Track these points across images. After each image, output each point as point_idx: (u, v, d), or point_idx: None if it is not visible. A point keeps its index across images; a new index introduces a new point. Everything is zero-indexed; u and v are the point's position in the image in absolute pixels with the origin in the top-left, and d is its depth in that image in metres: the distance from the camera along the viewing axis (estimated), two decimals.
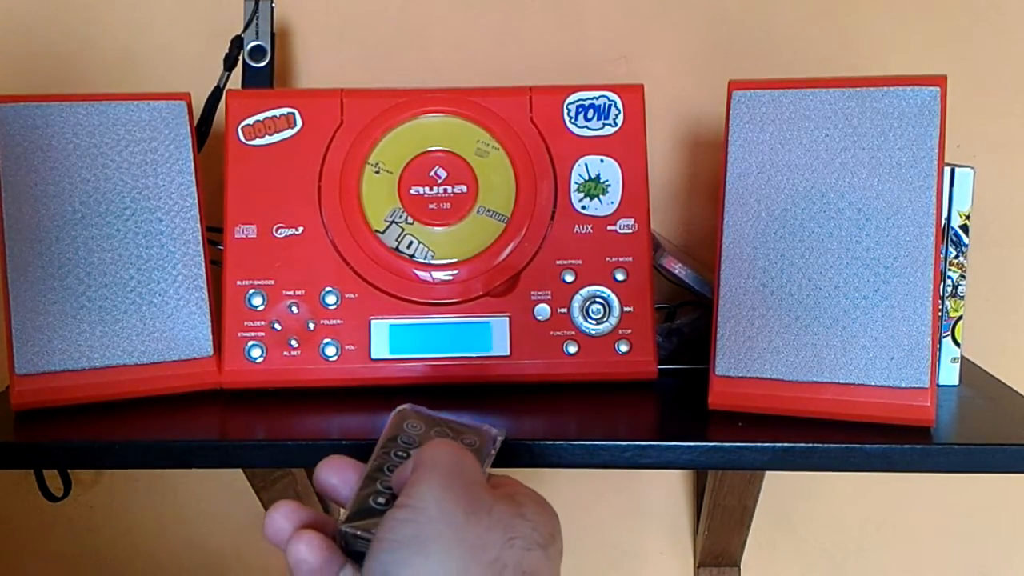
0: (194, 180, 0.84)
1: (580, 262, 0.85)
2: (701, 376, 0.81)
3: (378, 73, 1.08)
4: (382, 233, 0.85)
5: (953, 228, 0.88)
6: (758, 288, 0.78)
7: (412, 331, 0.84)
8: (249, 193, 0.84)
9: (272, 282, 0.84)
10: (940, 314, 0.88)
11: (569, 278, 0.85)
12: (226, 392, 0.84)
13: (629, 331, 0.85)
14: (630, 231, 0.85)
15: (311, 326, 0.83)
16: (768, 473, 1.06)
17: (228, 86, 0.94)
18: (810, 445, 0.74)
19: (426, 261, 0.85)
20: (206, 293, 0.84)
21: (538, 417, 0.81)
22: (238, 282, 0.84)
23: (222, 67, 0.95)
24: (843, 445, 0.73)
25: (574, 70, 1.08)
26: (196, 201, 0.84)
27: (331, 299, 0.84)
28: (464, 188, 0.85)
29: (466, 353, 0.84)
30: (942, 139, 0.74)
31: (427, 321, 0.84)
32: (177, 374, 0.83)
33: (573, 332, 0.85)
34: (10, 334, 0.79)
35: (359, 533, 0.51)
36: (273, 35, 0.96)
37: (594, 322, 0.85)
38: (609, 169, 0.86)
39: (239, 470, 1.06)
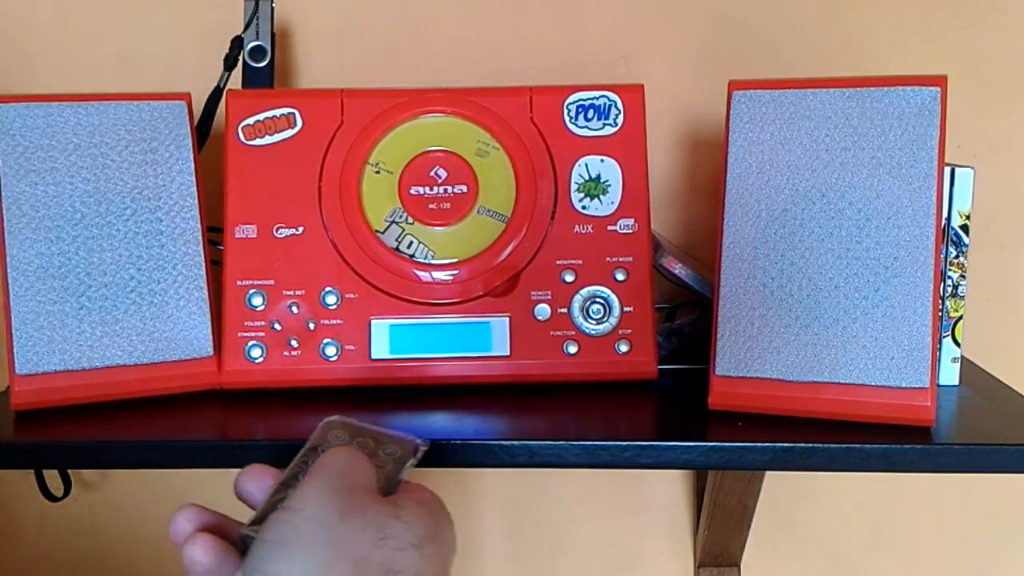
0: (194, 180, 0.84)
1: (580, 262, 0.85)
2: (701, 376, 0.81)
3: (378, 73, 1.08)
4: (382, 233, 0.85)
5: (953, 228, 0.88)
6: (758, 288, 0.78)
7: (412, 331, 0.84)
8: (249, 193, 0.84)
9: (272, 282, 0.84)
10: (940, 314, 0.88)
11: (569, 278, 0.85)
12: (226, 392, 0.84)
13: (629, 331, 0.85)
14: (630, 231, 0.85)
15: (311, 326, 0.83)
16: (768, 473, 1.06)
17: (228, 86, 0.94)
18: (810, 445, 0.74)
19: (426, 261, 0.85)
20: (206, 293, 0.84)
21: (538, 417, 0.81)
22: (238, 282, 0.84)
23: (222, 67, 0.95)
24: (843, 445, 0.73)
25: (574, 70, 1.08)
26: (196, 201, 0.84)
27: (331, 299, 0.84)
28: (464, 188, 0.85)
29: (466, 353, 0.84)
30: (942, 139, 0.74)
31: (427, 321, 0.84)
32: (177, 374, 0.83)
33: (573, 332, 0.85)
34: (10, 334, 0.79)
35: (252, 535, 0.52)
36: (273, 35, 0.96)
37: (594, 322, 0.85)
38: (609, 169, 0.86)
39: (239, 470, 1.05)
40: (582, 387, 0.85)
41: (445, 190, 0.85)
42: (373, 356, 0.84)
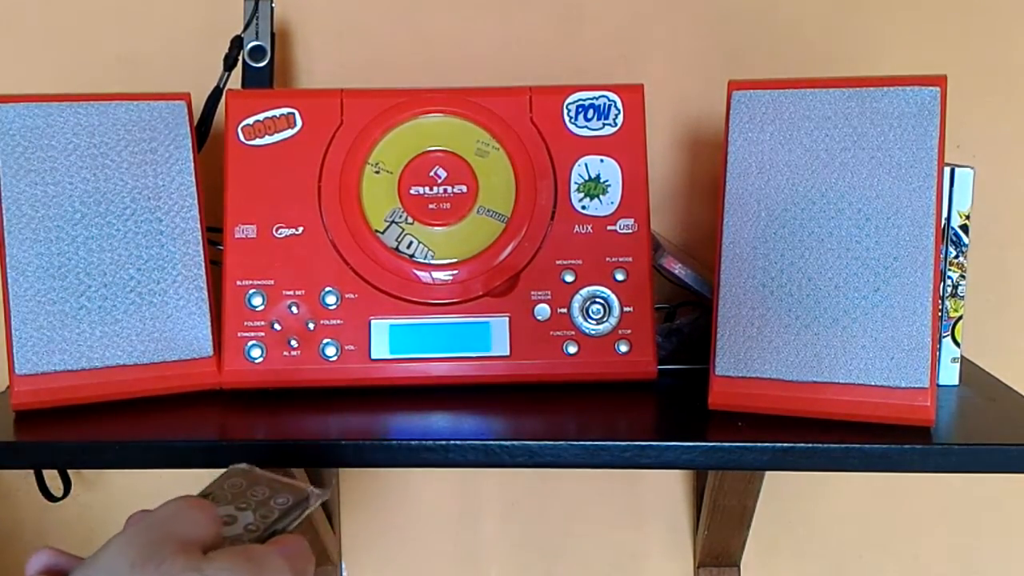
0: (194, 180, 0.84)
1: (580, 262, 0.85)
2: (701, 376, 0.81)
3: (378, 73, 1.08)
4: (382, 233, 0.85)
5: (953, 228, 0.88)
6: (758, 288, 0.78)
7: (412, 331, 0.84)
8: (249, 193, 0.84)
9: (272, 282, 0.84)
10: (940, 314, 0.88)
11: (569, 278, 0.85)
12: (226, 392, 0.84)
13: (629, 331, 0.85)
14: (630, 231, 0.85)
15: (311, 326, 0.83)
16: (768, 473, 1.06)
17: (228, 86, 0.94)
18: (810, 445, 0.74)
19: (426, 261, 0.85)
20: (206, 293, 0.84)
21: (538, 417, 0.81)
22: (238, 282, 0.84)
23: (222, 67, 0.95)
24: (843, 445, 0.73)
25: (574, 70, 1.08)
26: (196, 201, 0.84)
27: (331, 299, 0.84)
28: (464, 188, 0.85)
29: (466, 353, 0.84)
30: (942, 139, 0.74)
31: (427, 321, 0.84)
32: (177, 374, 0.83)
33: (573, 332, 0.84)
34: (10, 334, 0.79)
35: None
36: (273, 35, 0.96)
37: (594, 322, 0.85)
38: (609, 169, 0.86)
39: None
40: (582, 387, 0.85)
41: (445, 190, 0.85)
42: (373, 356, 0.84)
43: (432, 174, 0.85)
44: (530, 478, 1.18)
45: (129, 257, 0.81)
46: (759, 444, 0.74)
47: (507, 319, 0.84)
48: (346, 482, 1.18)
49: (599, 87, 0.86)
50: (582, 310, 0.85)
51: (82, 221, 0.80)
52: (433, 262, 0.85)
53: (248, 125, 0.85)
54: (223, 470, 0.62)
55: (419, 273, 0.84)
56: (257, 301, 0.84)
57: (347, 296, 0.84)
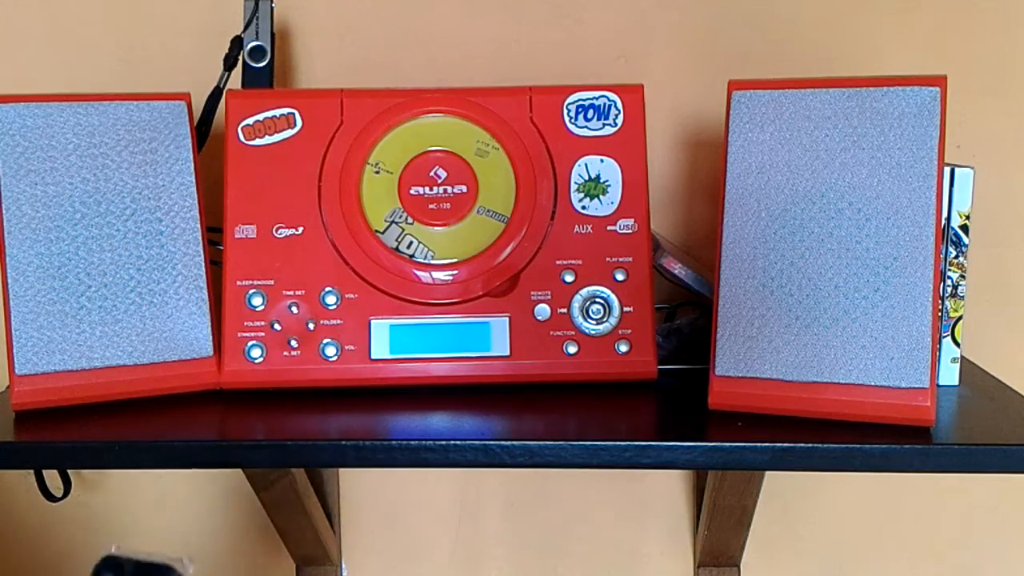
0: (194, 180, 0.84)
1: (580, 262, 0.85)
2: (701, 376, 0.81)
3: (378, 73, 1.08)
4: (382, 233, 0.85)
5: (953, 228, 0.88)
6: (758, 288, 0.78)
7: (412, 331, 0.84)
8: (249, 193, 0.84)
9: (272, 282, 0.84)
10: (940, 314, 0.88)
11: (569, 278, 0.85)
12: (226, 392, 0.84)
13: (629, 331, 0.85)
14: (630, 231, 0.85)
15: (311, 326, 0.83)
16: (768, 473, 1.06)
17: (228, 86, 0.94)
18: (810, 445, 0.74)
19: (426, 261, 0.85)
20: (206, 293, 0.84)
21: (538, 417, 0.81)
22: (238, 282, 0.84)
23: (222, 67, 0.95)
24: (843, 445, 0.73)
25: (574, 70, 1.08)
26: (196, 201, 0.84)
27: (331, 299, 0.84)
28: (464, 188, 0.85)
29: (466, 353, 0.84)
30: (942, 139, 0.74)
31: (427, 321, 0.84)
32: (177, 374, 0.83)
33: (573, 332, 0.85)
34: (10, 334, 0.79)
35: None
36: (273, 35, 0.96)
37: (594, 322, 0.85)
38: (609, 169, 0.86)
39: (239, 470, 1.06)
40: (582, 387, 0.85)
41: (445, 190, 0.85)
42: (373, 356, 0.84)
43: (432, 174, 0.85)
44: (530, 478, 1.18)
45: (129, 257, 0.81)
46: (759, 444, 0.74)
47: (507, 319, 0.84)
48: (346, 482, 1.19)
49: (599, 87, 0.86)
50: (582, 310, 0.85)
51: (82, 221, 0.80)
52: (433, 262, 0.85)
53: (248, 125, 0.85)
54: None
55: (419, 273, 0.84)
56: (257, 301, 0.84)
57: (347, 296, 0.84)
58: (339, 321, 0.84)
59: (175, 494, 1.18)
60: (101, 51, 1.08)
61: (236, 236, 0.84)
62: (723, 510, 1.08)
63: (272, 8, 0.96)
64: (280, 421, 0.80)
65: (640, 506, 1.19)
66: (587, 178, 0.85)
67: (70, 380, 0.80)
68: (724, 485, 1.06)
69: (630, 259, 0.85)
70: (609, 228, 0.85)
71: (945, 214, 0.87)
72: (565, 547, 1.20)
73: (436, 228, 0.85)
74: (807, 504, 1.17)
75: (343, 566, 1.20)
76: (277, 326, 0.84)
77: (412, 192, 0.85)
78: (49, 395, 0.79)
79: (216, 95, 0.95)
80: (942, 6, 1.06)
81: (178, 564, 0.60)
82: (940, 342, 0.88)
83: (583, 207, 0.85)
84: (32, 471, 0.87)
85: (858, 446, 0.73)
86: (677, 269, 0.90)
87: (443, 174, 0.85)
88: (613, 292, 0.85)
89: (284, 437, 0.76)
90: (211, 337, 0.84)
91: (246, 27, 0.95)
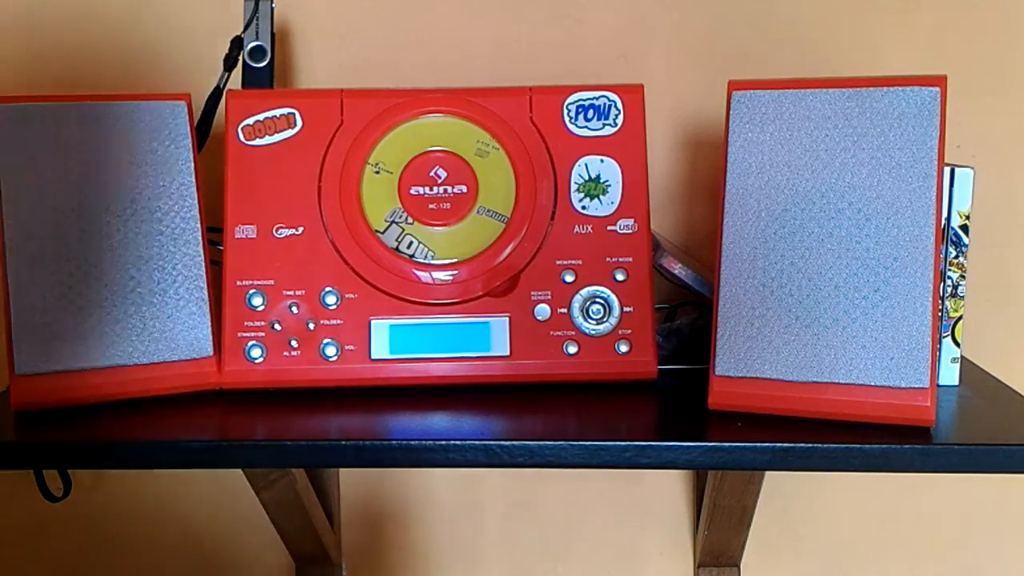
0: (194, 180, 0.84)
1: (580, 262, 0.85)
2: (701, 376, 0.81)
3: (378, 73, 1.08)
4: (382, 233, 0.85)
5: (953, 228, 0.88)
6: (758, 288, 0.78)
7: (412, 331, 0.84)
8: (249, 193, 0.84)
9: (272, 282, 0.84)
10: (940, 314, 0.88)
11: (569, 278, 0.85)
12: (226, 392, 0.84)
13: (629, 331, 0.85)
14: (630, 231, 0.85)
15: (311, 326, 0.83)
16: (768, 473, 1.06)
17: (228, 86, 0.94)
18: (810, 445, 0.74)
19: (426, 261, 0.85)
20: (206, 293, 0.84)
21: (538, 417, 0.81)
22: (238, 282, 0.84)
23: (222, 67, 0.95)
24: (843, 445, 0.73)
25: (574, 70, 1.08)
26: (196, 201, 0.84)
27: (331, 299, 0.84)
28: (464, 188, 0.85)
29: (466, 353, 0.84)
30: (942, 139, 0.74)
31: (427, 321, 0.84)
32: (177, 374, 0.83)
33: (573, 332, 0.85)
34: (10, 334, 0.79)
35: None
36: (273, 35, 0.96)
37: (594, 322, 0.85)
38: (609, 169, 0.86)
39: (239, 470, 1.06)
40: (582, 387, 0.85)
41: (445, 190, 0.85)
42: (373, 356, 0.84)
43: (432, 174, 0.85)
44: (530, 478, 1.18)
45: (129, 257, 0.81)
46: (759, 444, 0.74)
47: (507, 319, 0.84)
48: (346, 482, 1.19)
49: (599, 87, 0.86)
50: (582, 310, 0.85)
51: (82, 221, 0.80)
52: (433, 262, 0.85)
53: (248, 125, 0.85)
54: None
55: (419, 273, 0.84)
56: (257, 301, 0.84)
57: (347, 296, 0.84)
58: (339, 321, 0.84)
59: (175, 494, 1.18)
60: (101, 51, 1.08)
61: (236, 236, 0.84)
62: (723, 510, 1.08)
63: (272, 8, 0.96)
64: (280, 421, 0.80)
65: (640, 506, 1.19)
66: (587, 178, 0.85)
67: (70, 380, 0.80)
68: (724, 485, 1.06)
69: (630, 259, 0.85)
70: (609, 228, 0.85)
71: (945, 214, 0.87)
72: (565, 547, 1.20)
73: (436, 228, 0.85)
74: (807, 504, 1.17)
75: (343, 566, 1.20)
76: (277, 326, 0.84)
77: (412, 192, 0.85)
78: (49, 395, 0.79)
79: (216, 95, 0.95)
80: (942, 6, 1.06)
81: None
82: (940, 342, 0.88)
83: (583, 207, 0.85)
84: (32, 471, 0.87)
85: (858, 446, 0.73)
86: (677, 269, 0.90)
87: (443, 174, 0.85)
88: (613, 292, 0.85)
89: (284, 437, 0.76)
90: (211, 337, 0.84)
91: (246, 27, 0.95)
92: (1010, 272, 1.10)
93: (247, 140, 0.85)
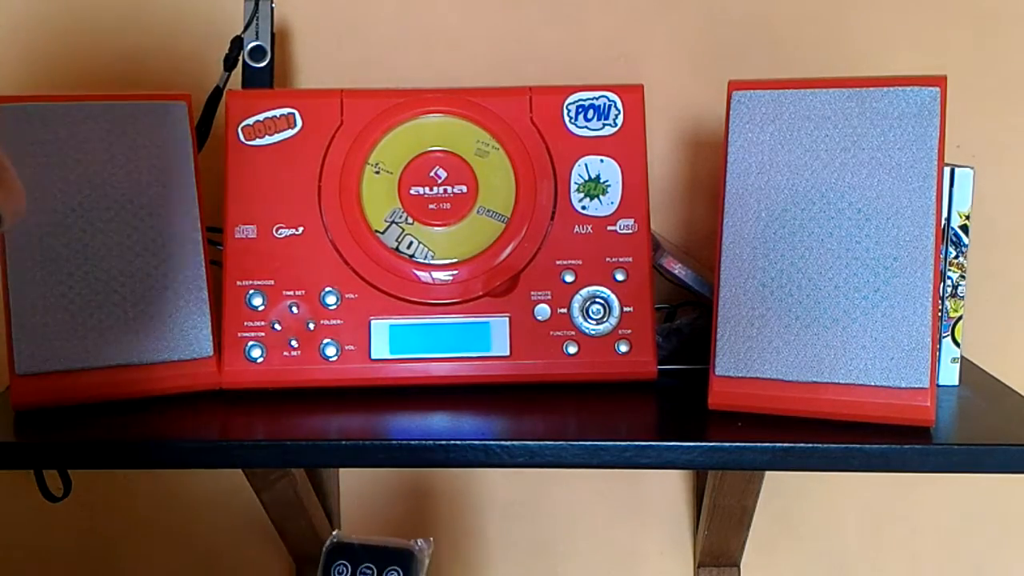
0: (194, 180, 0.84)
1: (580, 262, 0.85)
2: (701, 376, 0.81)
3: (378, 73, 1.08)
4: (382, 233, 0.85)
5: (953, 228, 0.88)
6: (758, 288, 0.78)
7: (412, 331, 0.84)
8: (249, 193, 0.84)
9: (272, 282, 0.84)
10: (940, 314, 0.88)
11: (569, 278, 0.85)
12: (226, 392, 0.84)
13: (629, 331, 0.85)
14: (630, 231, 0.85)
15: (311, 326, 0.83)
16: (768, 473, 1.06)
17: (228, 86, 0.94)
18: (810, 445, 0.74)
19: (426, 261, 0.85)
20: (206, 293, 0.84)
21: (538, 417, 0.81)
22: (238, 282, 0.84)
23: (222, 67, 0.95)
24: (843, 445, 0.73)
25: (574, 70, 1.08)
26: (196, 201, 0.84)
27: (331, 299, 0.84)
28: (464, 188, 0.85)
29: (466, 353, 0.84)
30: (942, 139, 0.74)
31: (427, 321, 0.84)
32: (177, 374, 0.83)
33: (573, 332, 0.85)
34: (10, 334, 0.79)
35: None
36: (273, 35, 0.96)
37: (594, 322, 0.85)
38: (609, 169, 0.86)
39: (239, 470, 1.06)
40: (582, 387, 0.85)
41: (445, 190, 0.85)
42: (373, 356, 0.84)
43: (432, 174, 0.85)
44: (530, 478, 1.18)
45: (129, 257, 0.81)
46: (759, 444, 0.74)
47: (507, 319, 0.84)
48: (346, 482, 1.18)
49: (599, 87, 0.86)
50: (582, 310, 0.85)
51: (82, 221, 0.80)
52: (433, 262, 0.85)
53: (248, 125, 0.85)
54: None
55: (419, 273, 0.84)
56: (257, 301, 0.84)
57: (347, 296, 0.84)
58: (339, 321, 0.84)
59: (175, 494, 1.18)
60: (101, 51, 1.08)
61: (236, 236, 0.84)
62: (723, 510, 1.08)
63: (272, 8, 0.96)
64: (280, 421, 0.80)
65: (640, 506, 1.19)
66: (587, 178, 0.85)
67: (70, 380, 0.80)
68: (724, 485, 1.06)
69: (630, 259, 0.85)
70: (609, 228, 0.85)
71: (945, 214, 0.87)
72: (565, 547, 1.20)
73: (436, 228, 0.85)
74: (807, 504, 1.17)
75: None
76: (277, 326, 0.84)
77: (412, 192, 0.85)
78: (49, 395, 0.79)
79: (216, 95, 0.95)
80: (942, 6, 1.06)
81: (414, 547, 0.58)
82: (940, 342, 0.88)
83: (583, 207, 0.85)
84: (32, 471, 0.87)
85: (858, 446, 0.73)
86: (677, 269, 0.90)
87: (443, 174, 0.85)
88: (613, 292, 0.85)
89: (284, 437, 0.76)
90: (211, 337, 0.84)
91: (246, 27, 0.95)
92: (1010, 272, 1.10)
93: (247, 140, 0.85)
